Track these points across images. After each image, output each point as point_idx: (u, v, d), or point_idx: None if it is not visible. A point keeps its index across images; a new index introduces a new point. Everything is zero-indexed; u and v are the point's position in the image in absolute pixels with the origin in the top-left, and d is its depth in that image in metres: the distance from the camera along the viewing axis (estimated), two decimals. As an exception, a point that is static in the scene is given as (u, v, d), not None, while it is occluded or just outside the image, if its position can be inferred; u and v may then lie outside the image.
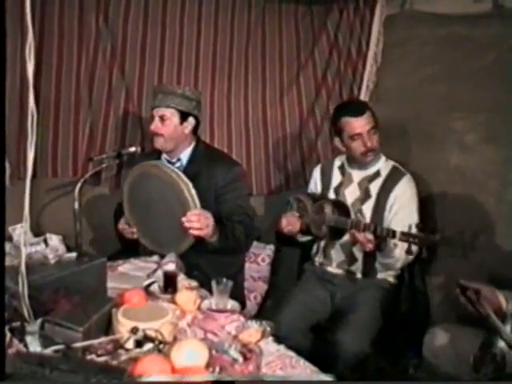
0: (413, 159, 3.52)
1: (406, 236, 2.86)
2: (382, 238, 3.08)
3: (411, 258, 3.20)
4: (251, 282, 3.69)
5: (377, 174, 3.44)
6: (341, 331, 3.06)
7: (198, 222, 2.87)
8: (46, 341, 1.95)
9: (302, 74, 4.35)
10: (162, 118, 3.20)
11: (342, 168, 3.58)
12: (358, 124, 3.29)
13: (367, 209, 3.38)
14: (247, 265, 3.65)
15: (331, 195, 3.54)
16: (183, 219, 2.86)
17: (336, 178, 3.59)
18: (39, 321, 2.01)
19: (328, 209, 3.31)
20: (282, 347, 2.19)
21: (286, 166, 4.39)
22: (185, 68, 4.05)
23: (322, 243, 3.58)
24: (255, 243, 3.62)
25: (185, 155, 3.34)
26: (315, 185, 3.69)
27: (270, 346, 2.17)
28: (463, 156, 3.53)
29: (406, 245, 2.99)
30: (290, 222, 3.41)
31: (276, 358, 2.10)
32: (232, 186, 3.27)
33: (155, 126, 3.22)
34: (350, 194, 3.47)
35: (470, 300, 2.37)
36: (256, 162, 4.28)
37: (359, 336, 3.02)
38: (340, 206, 3.34)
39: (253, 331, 2.20)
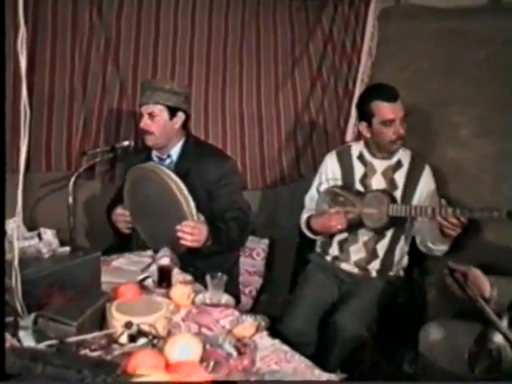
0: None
1: (484, 213, 2.81)
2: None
3: None
4: (246, 276, 3.69)
5: (399, 164, 3.38)
6: (339, 312, 3.06)
7: (191, 234, 2.85)
8: (39, 336, 1.94)
9: (296, 69, 4.33)
10: (151, 115, 3.19)
11: (361, 158, 3.45)
12: (393, 109, 3.20)
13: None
14: (242, 259, 3.64)
15: (358, 187, 3.40)
16: (177, 227, 2.85)
17: (358, 168, 3.44)
18: (32, 315, 2.01)
19: (386, 200, 3.19)
20: (276, 341, 2.19)
21: (280, 160, 4.38)
22: (179, 63, 4.02)
23: (340, 236, 3.45)
24: (250, 237, 3.61)
25: (175, 151, 3.32)
26: (333, 174, 3.49)
27: (264, 341, 2.17)
28: (458, 150, 3.53)
29: None
30: (338, 221, 3.24)
31: (271, 352, 2.10)
32: (225, 181, 3.26)
33: (145, 123, 3.20)
34: (377, 185, 3.36)
35: (458, 281, 2.38)
36: (251, 156, 4.26)
37: (357, 318, 3.01)
38: (393, 198, 3.25)
39: (247, 325, 2.20)
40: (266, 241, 3.79)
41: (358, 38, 4.28)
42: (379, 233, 3.33)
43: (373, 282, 3.34)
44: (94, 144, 3.88)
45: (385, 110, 3.21)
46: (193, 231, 2.85)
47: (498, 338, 2.17)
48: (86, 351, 1.91)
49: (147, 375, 1.61)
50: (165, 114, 3.20)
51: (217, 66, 4.13)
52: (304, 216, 3.53)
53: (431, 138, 3.64)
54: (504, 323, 2.18)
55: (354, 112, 4.22)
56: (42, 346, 1.88)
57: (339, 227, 3.25)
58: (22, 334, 1.93)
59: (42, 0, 3.61)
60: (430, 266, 3.54)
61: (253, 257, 3.72)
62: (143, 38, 3.92)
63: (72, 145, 3.86)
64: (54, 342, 1.88)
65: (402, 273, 3.45)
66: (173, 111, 3.21)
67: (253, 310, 3.39)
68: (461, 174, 3.48)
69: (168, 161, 3.33)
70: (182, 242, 2.87)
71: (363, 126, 3.33)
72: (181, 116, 3.25)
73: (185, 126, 3.34)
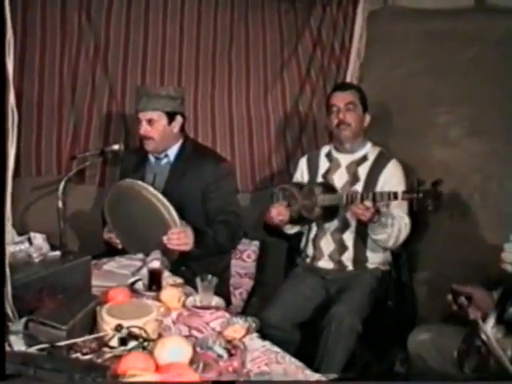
0: (397, 153, 3.51)
1: (409, 193, 2.91)
2: (378, 208, 3.11)
3: (404, 234, 3.26)
4: (237, 278, 3.68)
5: (364, 158, 3.47)
6: (335, 307, 3.07)
7: (178, 239, 2.88)
8: (30, 340, 1.95)
9: (285, 71, 4.33)
10: (149, 122, 3.20)
11: (329, 155, 3.60)
12: (337, 96, 3.44)
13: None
14: (233, 261, 3.63)
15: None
16: (164, 238, 2.87)
17: (323, 164, 3.60)
18: (23, 320, 2.01)
19: (318, 190, 3.32)
20: (267, 343, 2.20)
21: (270, 162, 4.38)
22: (168, 66, 4.02)
23: (312, 234, 3.56)
24: (241, 239, 3.62)
25: (172, 151, 3.33)
26: (302, 174, 3.68)
27: (255, 342, 2.18)
28: (447, 150, 3.55)
29: (401, 219, 3.18)
30: (279, 212, 3.39)
31: (261, 353, 2.11)
32: (220, 183, 3.27)
33: (144, 129, 3.21)
34: (339, 179, 3.48)
35: (461, 307, 2.38)
36: (241, 159, 4.27)
37: (353, 311, 3.03)
38: (329, 188, 3.38)
39: (238, 327, 2.21)
40: (257, 243, 3.78)
41: (347, 40, 4.30)
42: (321, 222, 3.47)
43: (362, 277, 3.36)
44: (84, 148, 3.86)
45: (331, 97, 3.49)
46: (179, 236, 2.88)
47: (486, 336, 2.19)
48: (77, 355, 1.91)
49: (137, 377, 1.61)
50: (164, 120, 3.21)
51: (206, 68, 4.13)
52: None
53: (421, 138, 3.67)
54: (491, 321, 2.20)
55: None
56: (33, 350, 1.88)
57: (280, 217, 3.40)
58: (12, 338, 1.94)
59: (30, 4, 3.61)
60: (419, 263, 3.55)
61: (243, 259, 3.71)
62: (132, 42, 3.92)
63: (62, 149, 3.86)
64: (44, 345, 1.88)
65: (382, 267, 3.47)
66: (171, 116, 3.23)
67: (244, 312, 3.39)
68: (450, 173, 3.49)
69: (165, 160, 3.35)
70: (170, 246, 2.88)
71: (327, 119, 3.57)
72: (179, 120, 3.27)
73: (182, 127, 3.35)
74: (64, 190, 3.03)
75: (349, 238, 3.43)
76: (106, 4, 3.82)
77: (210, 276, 2.49)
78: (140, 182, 3.07)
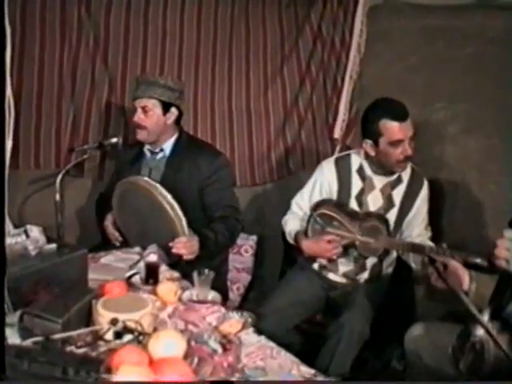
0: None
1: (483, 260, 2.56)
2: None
3: None
4: (235, 273, 3.69)
5: (399, 180, 3.21)
6: (346, 314, 2.97)
7: (184, 248, 2.86)
8: (25, 333, 1.95)
9: (285, 65, 4.32)
10: (144, 109, 3.20)
11: (361, 171, 3.26)
12: (401, 129, 2.98)
13: (390, 217, 3.18)
14: (230, 256, 3.63)
15: (352, 204, 3.23)
16: (170, 244, 2.85)
17: (356, 183, 3.25)
18: (18, 313, 2.01)
19: (383, 229, 3.09)
20: (262, 338, 2.21)
21: (269, 157, 4.37)
22: (168, 59, 4.02)
23: None
24: (238, 234, 3.62)
25: (168, 146, 3.33)
26: (329, 187, 3.31)
27: (250, 337, 2.19)
28: (444, 146, 3.55)
29: None
30: (332, 251, 3.13)
31: (256, 348, 2.11)
32: (216, 177, 3.27)
33: (138, 117, 3.21)
34: (373, 203, 3.21)
35: (438, 271, 2.38)
36: (240, 153, 4.26)
37: (364, 317, 2.96)
38: (386, 224, 3.14)
39: (233, 322, 2.21)
40: (255, 237, 3.79)
41: (347, 35, 4.27)
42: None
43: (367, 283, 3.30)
44: (83, 141, 3.87)
45: (394, 129, 2.98)
46: (185, 246, 2.87)
47: (480, 332, 2.20)
48: (72, 348, 1.91)
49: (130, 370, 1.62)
50: (158, 109, 3.21)
51: (206, 62, 4.12)
52: (291, 225, 3.40)
53: (418, 135, 3.66)
54: (485, 317, 2.20)
55: (342, 108, 4.24)
56: (28, 342, 1.88)
57: (334, 257, 3.18)
58: (7, 331, 1.93)
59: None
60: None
61: (241, 253, 3.72)
62: (132, 35, 3.92)
63: (61, 142, 3.87)
64: (39, 338, 1.88)
65: (390, 271, 3.40)
66: (166, 106, 3.23)
67: (241, 307, 3.40)
68: (447, 169, 3.50)
69: (160, 155, 3.35)
70: (175, 251, 2.87)
71: (368, 144, 3.11)
72: (174, 112, 3.26)
73: (178, 121, 3.35)
74: (62, 183, 3.03)
75: (371, 260, 3.27)
76: (106, -4, 3.83)
77: (206, 270, 2.49)
78: (156, 185, 3.02)
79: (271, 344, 2.16)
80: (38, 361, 1.67)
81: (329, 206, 3.23)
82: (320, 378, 2.00)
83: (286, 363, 2.04)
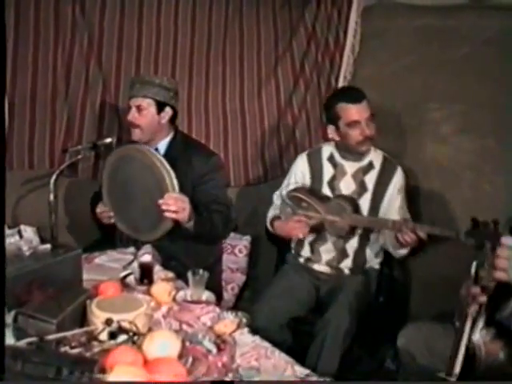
0: (388, 150, 3.50)
1: (472, 236, 2.48)
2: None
3: None
4: (229, 273, 3.70)
5: (370, 166, 3.35)
6: (331, 310, 3.02)
7: (175, 204, 2.83)
8: (19, 333, 1.95)
9: (279, 66, 4.32)
10: (138, 109, 3.19)
11: (332, 159, 3.43)
12: (357, 110, 3.19)
13: (364, 202, 3.31)
14: (225, 256, 3.64)
15: (325, 190, 3.39)
16: (160, 201, 2.82)
17: (327, 170, 3.42)
18: (12, 313, 2.01)
19: (348, 207, 3.21)
20: (257, 338, 2.21)
21: (263, 157, 4.37)
22: (162, 60, 4.01)
23: (310, 238, 3.43)
24: (232, 234, 3.62)
25: (162, 145, 3.32)
26: (303, 176, 3.50)
27: (245, 337, 2.19)
28: (439, 146, 3.56)
29: None
30: (300, 228, 3.25)
31: (251, 348, 2.12)
32: (209, 177, 3.26)
33: (132, 116, 3.20)
34: (346, 188, 3.35)
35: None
36: (234, 153, 4.26)
37: (350, 314, 2.98)
38: (356, 206, 3.27)
39: (228, 322, 2.21)
40: (249, 238, 3.80)
41: (341, 35, 4.27)
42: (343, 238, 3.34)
43: (356, 277, 3.32)
44: (77, 142, 3.85)
45: (349, 111, 3.20)
46: (176, 202, 2.84)
47: (475, 337, 2.20)
48: (66, 348, 1.91)
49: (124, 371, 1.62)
50: (152, 108, 3.20)
51: (200, 63, 4.11)
52: (270, 214, 3.56)
53: (412, 135, 3.67)
54: (480, 324, 2.20)
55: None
56: (22, 343, 1.88)
57: (300, 235, 3.29)
58: (1, 331, 1.94)
59: (24, -3, 3.61)
60: (410, 259, 3.56)
61: (235, 254, 3.72)
62: (126, 36, 3.91)
63: (55, 142, 3.86)
64: (33, 339, 1.88)
65: (377, 266, 3.44)
66: (161, 106, 3.22)
67: (235, 307, 3.40)
68: (441, 170, 3.51)
69: (155, 154, 3.33)
70: (167, 214, 2.84)
71: (331, 129, 3.32)
72: (168, 111, 3.26)
73: (173, 121, 3.34)
74: (56, 184, 3.03)
75: (351, 246, 3.35)
76: (101, -3, 3.82)
77: (201, 270, 2.49)
78: (146, 147, 3.08)
79: (266, 344, 2.17)
80: (32, 361, 1.67)
81: (301, 191, 3.38)
82: (314, 378, 2.01)
83: (280, 363, 2.04)
